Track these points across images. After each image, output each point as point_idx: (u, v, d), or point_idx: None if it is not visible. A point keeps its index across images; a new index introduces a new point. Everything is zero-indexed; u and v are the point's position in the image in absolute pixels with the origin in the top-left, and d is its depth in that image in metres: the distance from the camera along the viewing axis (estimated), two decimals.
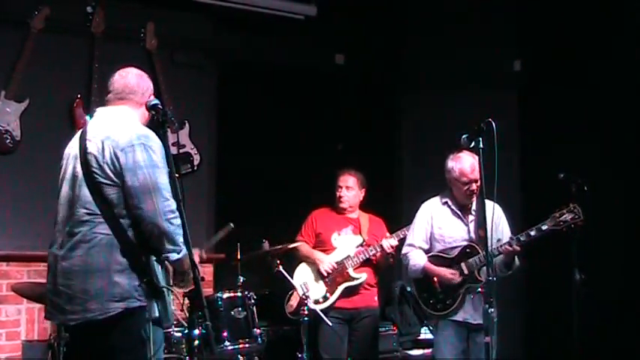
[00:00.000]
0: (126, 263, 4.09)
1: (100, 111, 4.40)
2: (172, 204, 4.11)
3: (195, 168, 8.00)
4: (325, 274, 6.81)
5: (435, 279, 5.93)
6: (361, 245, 6.89)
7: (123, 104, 4.36)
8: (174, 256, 4.13)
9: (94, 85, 7.44)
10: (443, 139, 6.33)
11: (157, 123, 4.24)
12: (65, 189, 4.30)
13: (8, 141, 7.08)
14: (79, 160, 4.21)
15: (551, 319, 7.79)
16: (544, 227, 5.67)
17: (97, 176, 4.13)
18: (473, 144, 5.00)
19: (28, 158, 7.20)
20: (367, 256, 6.79)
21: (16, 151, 7.15)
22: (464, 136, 5.04)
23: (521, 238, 5.69)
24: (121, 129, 4.21)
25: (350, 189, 6.97)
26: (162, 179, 4.13)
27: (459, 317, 5.86)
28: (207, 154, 8.16)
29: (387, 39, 9.29)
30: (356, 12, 8.82)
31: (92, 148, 4.17)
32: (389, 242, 6.72)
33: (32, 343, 6.96)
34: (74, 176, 4.24)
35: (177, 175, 4.20)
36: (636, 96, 7.65)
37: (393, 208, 8.75)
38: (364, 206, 7.12)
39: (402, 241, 6.53)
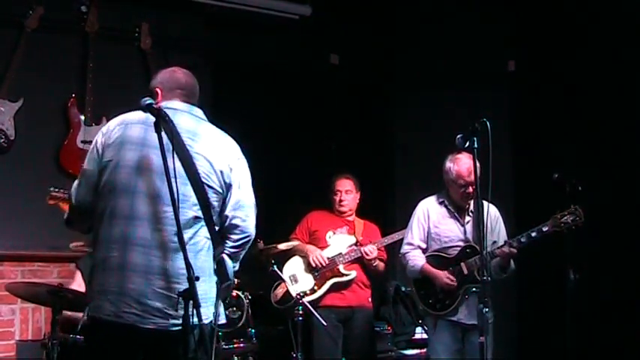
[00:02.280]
0: (214, 269, 4.04)
1: (179, 105, 4.26)
2: None
3: None
4: (314, 265, 6.84)
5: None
6: (354, 245, 6.92)
7: (192, 104, 4.35)
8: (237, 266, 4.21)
9: (88, 84, 7.44)
10: (436, 139, 6.34)
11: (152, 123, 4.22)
12: (150, 181, 3.99)
13: (2, 140, 7.07)
14: (175, 155, 3.97)
15: (544, 318, 7.80)
16: (545, 229, 5.67)
17: (207, 180, 4.04)
18: (467, 144, 4.99)
19: (23, 158, 7.19)
20: (359, 254, 6.83)
21: (10, 150, 7.14)
22: (458, 136, 5.04)
23: (522, 240, 5.69)
24: (224, 139, 4.28)
25: (349, 192, 7.06)
26: None
27: (453, 317, 5.87)
28: None
29: (381, 38, 9.30)
30: (350, 11, 8.83)
31: (203, 150, 4.08)
32: (367, 248, 6.76)
33: (26, 343, 6.96)
34: (165, 171, 3.90)
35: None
36: (630, 96, 7.66)
37: (385, 208, 8.76)
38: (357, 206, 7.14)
39: (390, 246, 6.59)
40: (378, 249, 6.88)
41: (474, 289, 5.73)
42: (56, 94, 7.42)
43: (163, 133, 3.97)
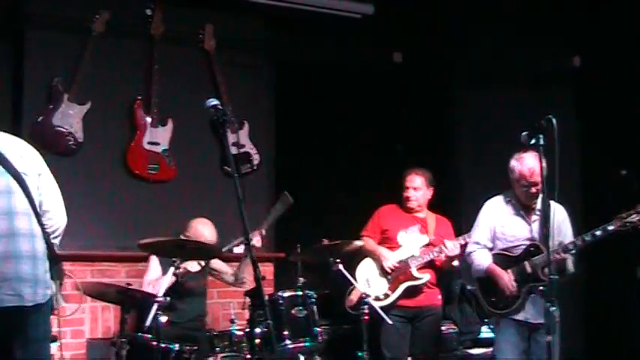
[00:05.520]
0: None
1: None
2: None
3: (255, 167, 8.04)
4: (388, 271, 6.80)
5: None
6: (426, 245, 6.86)
7: None
8: None
9: (153, 86, 7.54)
10: (502, 137, 6.28)
11: (217, 123, 4.26)
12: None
13: (71, 142, 7.20)
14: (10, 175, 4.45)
15: (612, 317, 7.69)
16: (610, 227, 5.59)
17: (33, 192, 4.52)
18: (533, 141, 4.94)
19: (91, 159, 7.33)
20: (432, 256, 6.75)
21: (79, 152, 7.26)
22: (523, 134, 4.99)
23: (586, 238, 5.61)
24: (27, 146, 4.66)
25: (417, 189, 6.92)
26: None
27: (519, 316, 5.80)
28: (266, 153, 8.20)
29: (444, 36, 9.25)
30: (413, 9, 8.80)
31: (28, 167, 4.52)
32: (452, 243, 6.68)
33: (96, 342, 7.07)
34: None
35: (237, 174, 4.24)
36: None
37: (451, 208, 8.69)
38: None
39: (464, 246, 6.48)
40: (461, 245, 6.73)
41: (540, 287, 5.66)
42: (123, 96, 7.54)
43: None
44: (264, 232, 6.64)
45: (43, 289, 4.36)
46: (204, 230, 6.61)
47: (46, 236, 4.44)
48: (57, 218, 4.57)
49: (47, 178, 4.57)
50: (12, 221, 4.29)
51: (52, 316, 4.59)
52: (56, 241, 4.57)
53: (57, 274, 4.52)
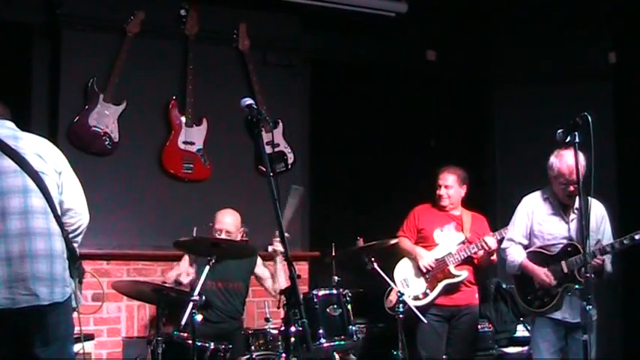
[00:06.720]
0: None
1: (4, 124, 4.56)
2: None
3: (290, 166, 8.04)
4: (425, 270, 6.78)
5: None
6: (463, 243, 6.84)
7: (5, 118, 4.61)
8: None
9: (188, 86, 7.57)
10: (536, 134, 6.25)
11: (252, 122, 4.27)
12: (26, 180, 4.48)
13: (107, 143, 7.24)
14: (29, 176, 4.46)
15: None
16: None
17: (52, 191, 4.51)
18: (568, 138, 4.90)
19: (126, 159, 7.38)
20: (468, 253, 6.73)
21: (114, 152, 7.31)
22: (559, 131, 4.95)
23: (625, 242, 5.53)
24: (49, 144, 4.64)
25: (449, 187, 6.89)
26: None
27: (557, 315, 5.75)
28: (301, 152, 8.21)
29: (478, 33, 9.22)
30: (447, 7, 8.78)
31: (50, 168, 4.52)
32: (487, 240, 6.65)
33: (132, 340, 7.12)
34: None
35: (272, 174, 4.23)
36: None
37: (485, 204, 8.66)
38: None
39: (501, 241, 6.44)
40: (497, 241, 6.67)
41: (577, 286, 5.62)
42: (158, 96, 7.58)
43: (9, 161, 4.32)
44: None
45: (62, 288, 4.33)
46: (223, 217, 6.64)
47: (66, 235, 4.44)
48: (78, 217, 4.56)
49: (68, 177, 4.56)
50: (28, 221, 4.28)
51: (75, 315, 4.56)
52: (78, 240, 4.57)
53: (76, 273, 4.51)
